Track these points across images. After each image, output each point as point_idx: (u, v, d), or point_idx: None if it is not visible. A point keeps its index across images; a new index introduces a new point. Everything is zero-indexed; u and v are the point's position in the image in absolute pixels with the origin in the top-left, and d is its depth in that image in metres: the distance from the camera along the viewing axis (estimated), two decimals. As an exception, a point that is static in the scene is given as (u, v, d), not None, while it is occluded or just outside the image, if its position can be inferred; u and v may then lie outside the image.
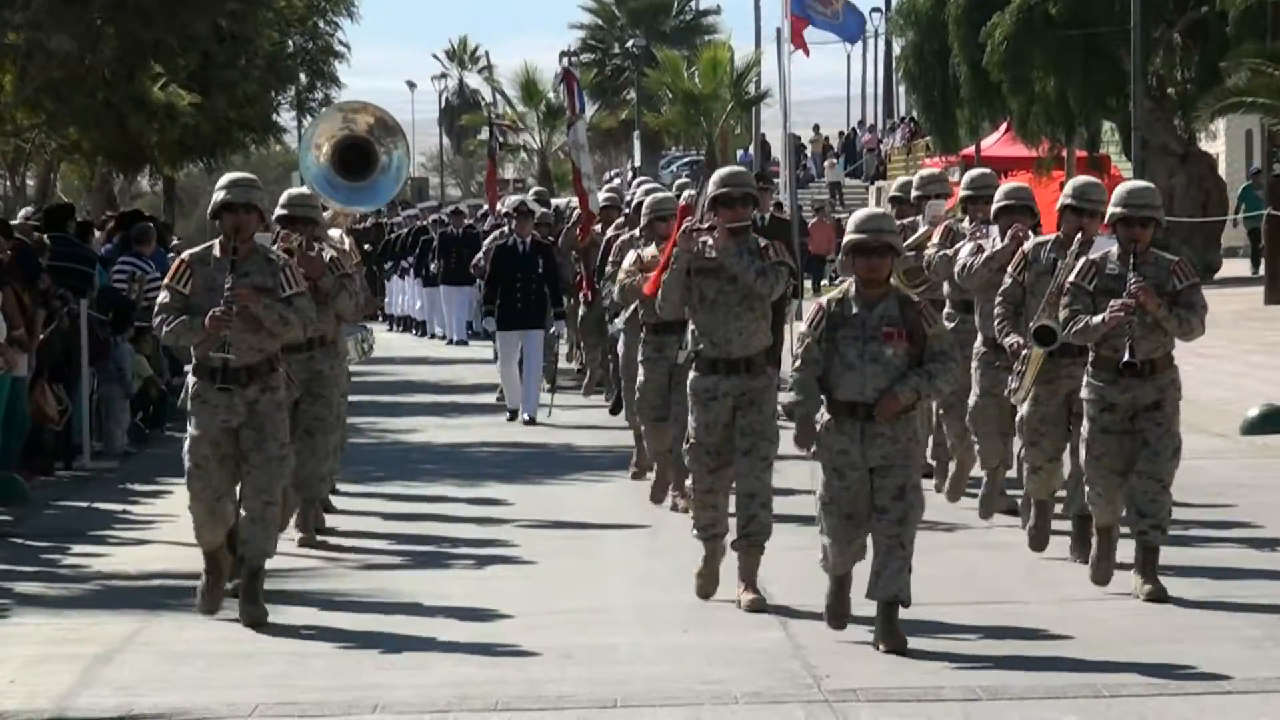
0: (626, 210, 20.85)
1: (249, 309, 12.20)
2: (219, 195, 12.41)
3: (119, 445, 21.40)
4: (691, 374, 12.74)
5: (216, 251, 12.43)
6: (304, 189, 15.76)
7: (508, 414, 23.80)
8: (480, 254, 25.84)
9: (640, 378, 16.58)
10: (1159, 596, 12.29)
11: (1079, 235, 13.38)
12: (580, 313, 24.65)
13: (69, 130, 35.68)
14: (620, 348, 18.36)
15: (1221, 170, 47.01)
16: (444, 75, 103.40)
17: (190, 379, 12.50)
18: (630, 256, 16.44)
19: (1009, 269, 13.92)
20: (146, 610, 13.28)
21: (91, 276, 21.57)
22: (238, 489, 12.56)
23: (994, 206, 14.82)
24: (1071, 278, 12.60)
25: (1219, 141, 50.24)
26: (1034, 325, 13.26)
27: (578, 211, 24.90)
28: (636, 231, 17.98)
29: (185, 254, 12.69)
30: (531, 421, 23.10)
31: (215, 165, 43.84)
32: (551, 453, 21.07)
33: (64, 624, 13.00)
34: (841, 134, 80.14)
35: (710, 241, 12.55)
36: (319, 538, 15.39)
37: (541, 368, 23.81)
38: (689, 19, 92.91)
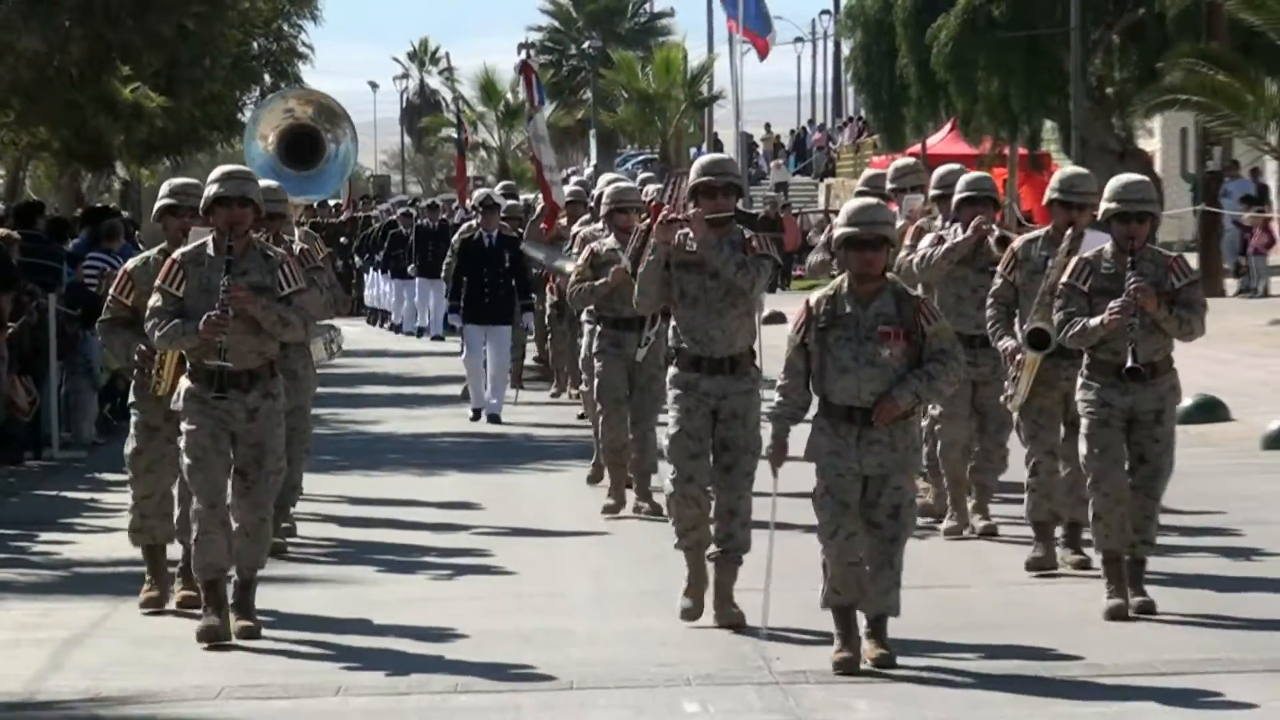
0: (592, 205, 19.75)
1: (247, 310, 11.10)
2: (211, 189, 11.24)
3: (87, 436, 21.40)
4: (672, 369, 11.69)
5: (210, 250, 11.26)
6: (272, 183, 14.81)
7: (471, 412, 22.75)
8: (449, 254, 24.66)
9: (597, 367, 15.82)
10: (1149, 609, 11.48)
11: (1069, 230, 12.56)
12: (545, 308, 23.86)
13: (37, 129, 35.63)
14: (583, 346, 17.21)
15: (1157, 167, 47.13)
16: (405, 76, 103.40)
17: (183, 382, 11.43)
18: (582, 255, 15.87)
19: (999, 269, 12.99)
20: (114, 596, 13.24)
21: (60, 272, 21.56)
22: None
23: (956, 197, 13.98)
24: (1065, 278, 11.64)
25: (1155, 139, 50.39)
26: (1027, 328, 12.47)
27: (542, 205, 24.07)
28: (600, 225, 17.16)
29: (176, 253, 11.45)
30: (495, 420, 22.27)
31: (181, 163, 43.74)
32: (511, 443, 21.03)
33: (33, 609, 12.97)
34: (792, 132, 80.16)
35: (690, 233, 11.44)
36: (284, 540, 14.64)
37: (508, 365, 22.88)
38: (643, 21, 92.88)
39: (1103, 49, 46.10)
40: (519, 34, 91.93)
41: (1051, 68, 45.21)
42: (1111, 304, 11.22)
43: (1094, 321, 11.31)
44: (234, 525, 11.36)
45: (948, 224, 14.13)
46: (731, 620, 11.42)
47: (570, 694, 10.40)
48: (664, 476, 12.09)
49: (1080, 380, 11.65)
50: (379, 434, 22.53)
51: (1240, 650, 10.80)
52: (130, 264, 12.19)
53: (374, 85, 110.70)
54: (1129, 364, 11.27)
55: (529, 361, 26.23)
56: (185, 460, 11.40)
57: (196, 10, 33.05)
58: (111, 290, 12.19)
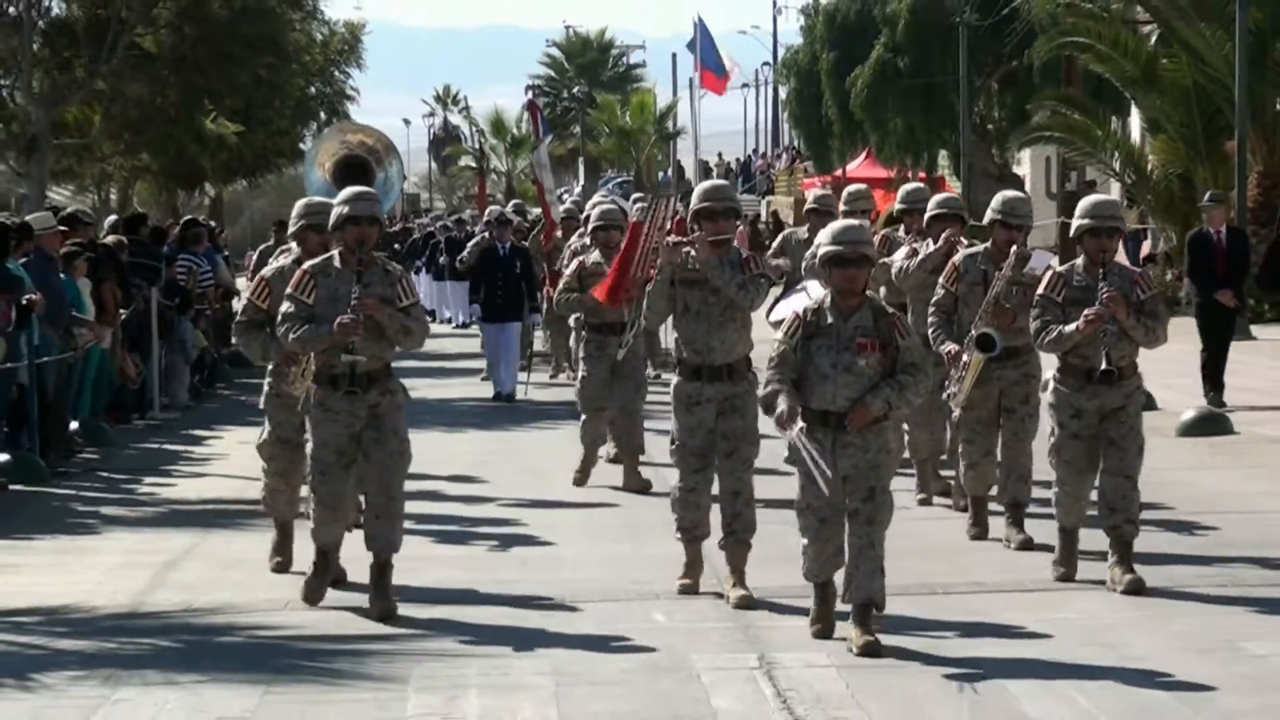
0: (583, 221, 18.92)
1: (375, 317, 10.02)
2: (342, 209, 10.11)
3: (181, 400, 21.40)
4: (675, 379, 10.46)
5: (337, 263, 10.14)
6: (321, 198, 14.21)
7: (494, 394, 21.65)
8: (465, 252, 23.94)
9: (582, 372, 14.88)
10: (1137, 588, 10.20)
11: (1013, 249, 11.51)
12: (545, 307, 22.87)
13: (142, 156, 35.63)
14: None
15: (1028, 188, 47.19)
16: (432, 114, 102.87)
17: (311, 386, 10.25)
18: (572, 265, 15.05)
19: (940, 279, 11.94)
20: (203, 528, 13.24)
21: (159, 270, 21.54)
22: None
23: (927, 215, 12.88)
24: (1041, 290, 10.52)
25: (1026, 166, 50.44)
26: (975, 333, 11.44)
27: (542, 221, 23.72)
28: (589, 240, 16.33)
29: (307, 265, 10.33)
30: (510, 399, 21.43)
31: (255, 183, 43.64)
32: (519, 409, 21.00)
33: (139, 539, 12.96)
34: (739, 160, 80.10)
35: (693, 254, 10.29)
36: None
37: (518, 355, 22.08)
38: (622, 71, 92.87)
39: (984, 94, 46.22)
40: (523, 80, 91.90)
41: (945, 109, 45.33)
42: (1086, 311, 10.22)
43: (1070, 328, 10.31)
44: (365, 508, 10.32)
45: (918, 238, 13.03)
46: (746, 603, 10.07)
47: (564, 604, 10.39)
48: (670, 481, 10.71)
49: (1051, 384, 10.60)
50: (413, 399, 22.43)
51: (1088, 574, 10.81)
52: (267, 272, 11.07)
53: (407, 121, 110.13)
54: (1103, 366, 10.26)
55: (539, 348, 25.85)
56: (312, 469, 10.27)
57: (267, 62, 33.15)
58: (248, 295, 11.09)
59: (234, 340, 11.12)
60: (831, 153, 51.94)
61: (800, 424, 9.10)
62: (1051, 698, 8.17)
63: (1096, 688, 8.31)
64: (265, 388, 11.42)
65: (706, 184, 10.58)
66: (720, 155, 77.06)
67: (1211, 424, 16.31)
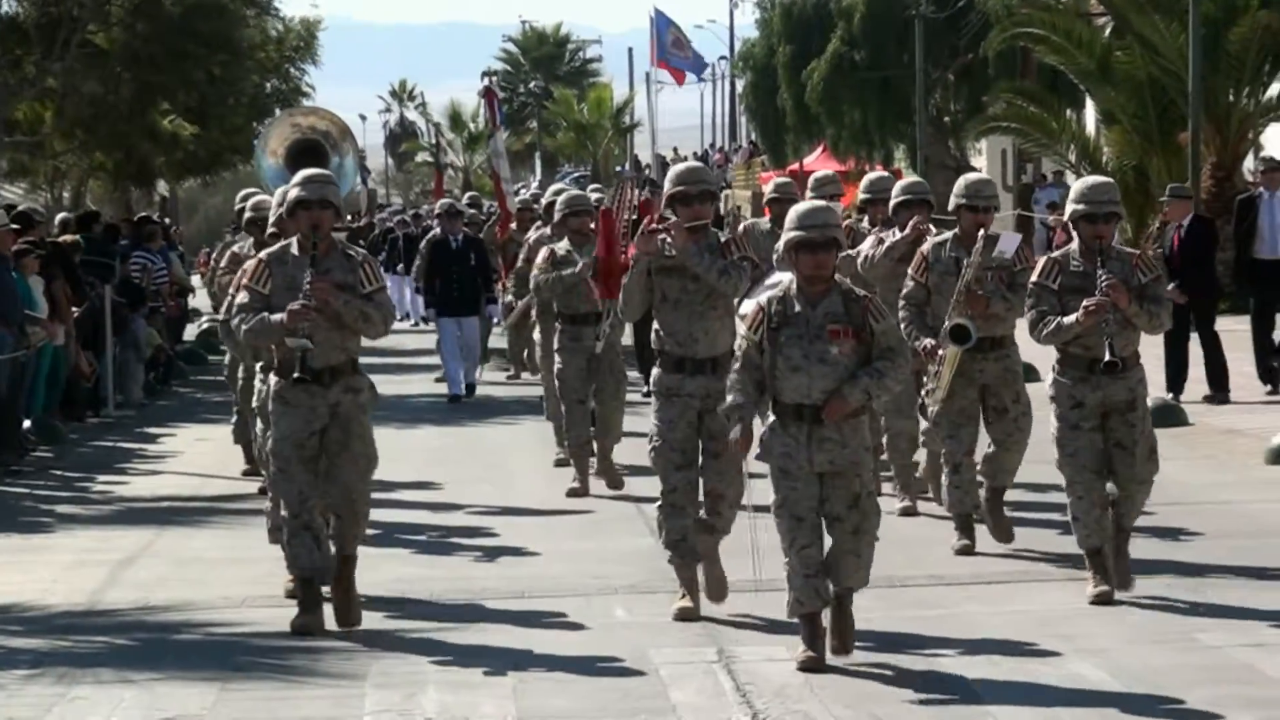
0: (540, 213, 18.46)
1: (329, 304, 9.40)
2: (293, 192, 9.58)
3: (135, 398, 21.31)
4: (656, 371, 9.76)
5: (294, 249, 9.58)
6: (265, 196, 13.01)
7: (449, 397, 20.98)
8: (418, 257, 23.13)
9: (558, 365, 14.14)
10: (1125, 585, 9.82)
11: (981, 233, 10.95)
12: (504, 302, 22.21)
13: (95, 154, 35.51)
14: (539, 341, 15.68)
15: (985, 180, 47.35)
16: (388, 110, 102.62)
17: (270, 379, 9.73)
18: (543, 253, 14.39)
19: (910, 271, 11.34)
20: (158, 525, 13.19)
21: (114, 267, 21.47)
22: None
23: (893, 201, 12.34)
24: (1035, 277, 9.89)
25: (982, 157, 50.56)
26: (949, 325, 10.81)
27: (499, 211, 23.11)
28: (549, 230, 15.92)
29: (263, 253, 9.80)
30: (471, 391, 21.04)
31: (210, 180, 43.45)
32: (476, 404, 20.97)
33: (93, 536, 12.90)
34: (696, 153, 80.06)
35: (669, 240, 9.59)
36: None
37: (478, 349, 21.65)
38: (579, 65, 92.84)
39: (941, 86, 46.29)
40: (479, 75, 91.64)
41: (901, 101, 45.41)
42: (1086, 301, 9.54)
43: (1069, 319, 9.60)
44: (328, 510, 9.75)
45: (883, 228, 12.51)
46: (717, 593, 9.74)
47: (524, 600, 10.38)
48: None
49: (1051, 376, 9.92)
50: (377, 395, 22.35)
51: (1048, 567, 10.84)
52: (264, 254, 9.89)
53: (363, 117, 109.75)
54: (1107, 358, 9.56)
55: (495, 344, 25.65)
56: (270, 467, 9.73)
57: (221, 59, 33.02)
58: (245, 280, 9.87)
59: (240, 338, 9.97)
60: (787, 146, 52.04)
61: (755, 450, 8.60)
62: (1008, 689, 8.19)
63: (1053, 678, 8.33)
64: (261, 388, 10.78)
65: (680, 166, 9.97)
66: (675, 150, 76.97)
67: (1167, 416, 16.35)
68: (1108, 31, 31.60)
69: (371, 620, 9.76)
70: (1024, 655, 8.76)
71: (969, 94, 44.82)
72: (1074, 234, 9.84)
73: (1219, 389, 17.77)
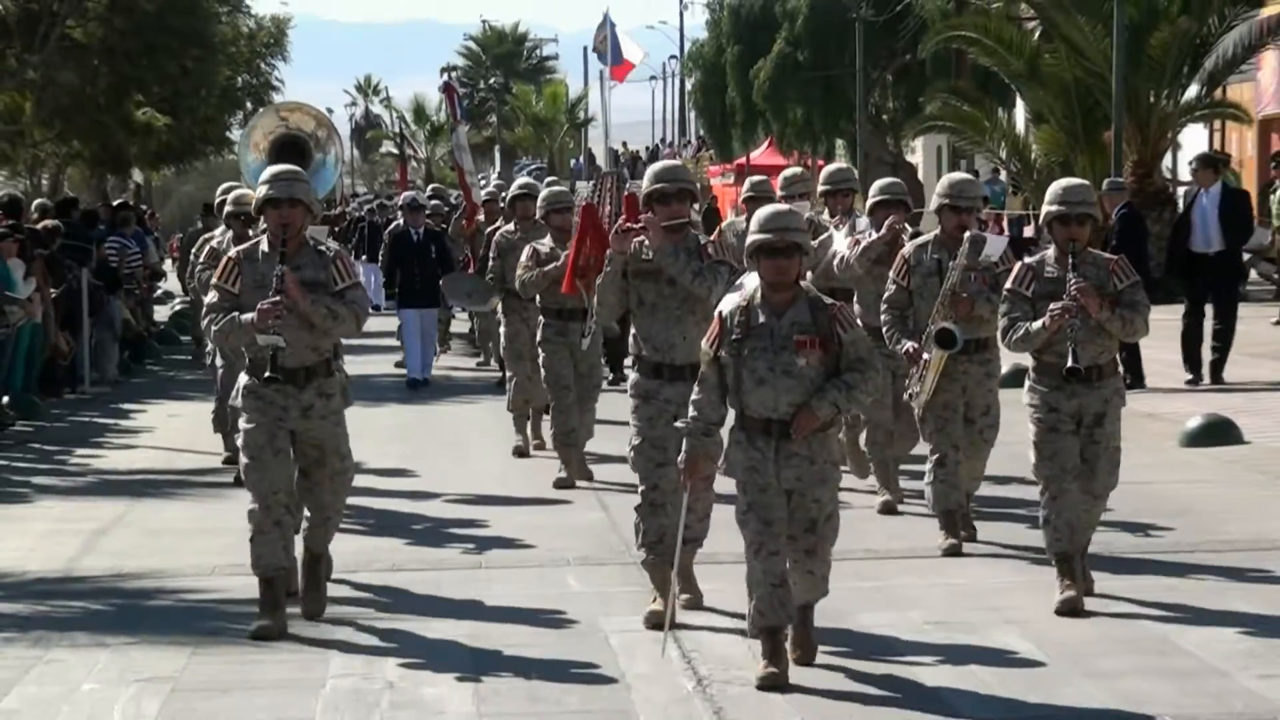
0: (504, 206, 17.61)
1: (298, 305, 8.76)
2: (261, 190, 8.96)
3: (110, 376, 21.24)
4: (634, 376, 9.09)
5: (264, 247, 8.96)
6: (246, 190, 12.77)
7: (408, 380, 20.42)
8: (382, 248, 22.46)
9: (543, 356, 13.53)
10: (1073, 608, 9.02)
11: (966, 234, 10.32)
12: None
13: (73, 143, 35.34)
14: (504, 335, 15.00)
15: (920, 176, 47.47)
16: (354, 103, 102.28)
17: (242, 378, 9.08)
18: (526, 251, 13.59)
19: (891, 275, 10.65)
20: (132, 497, 13.15)
21: (90, 251, 21.40)
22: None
23: (870, 201, 11.61)
24: (1009, 284, 9.24)
25: (919, 154, 50.72)
26: (934, 329, 10.25)
27: (464, 204, 22.50)
28: (511, 225, 15.27)
29: (233, 251, 9.21)
30: (426, 383, 20.43)
31: (183, 169, 43.24)
32: (435, 384, 20.92)
33: (70, 507, 12.86)
34: (647, 148, 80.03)
35: (645, 241, 8.93)
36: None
37: (435, 340, 21.12)
38: (536, 62, 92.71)
39: (880, 86, 46.42)
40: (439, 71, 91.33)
41: (842, 99, 45.55)
42: (1052, 306, 8.93)
43: (1036, 325, 8.99)
44: (301, 518, 9.24)
45: (843, 219, 11.90)
46: (692, 603, 9.16)
47: (480, 572, 10.39)
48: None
49: (1027, 383, 9.26)
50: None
51: (976, 544, 10.89)
52: (234, 252, 9.26)
53: (330, 110, 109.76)
54: (1070, 364, 8.91)
55: (458, 329, 25.47)
56: (242, 458, 9.06)
57: (194, 54, 32.93)
58: (215, 279, 9.19)
59: (211, 339, 9.62)
60: (734, 141, 52.13)
61: (698, 478, 8.03)
62: (936, 657, 8.24)
63: (981, 648, 8.39)
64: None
65: (658, 164, 9.23)
66: (624, 144, 76.94)
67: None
68: (1037, 35, 31.72)
69: (336, 590, 9.75)
70: (953, 625, 8.82)
71: (906, 93, 44.98)
72: (1051, 236, 9.23)
73: (1134, 376, 17.84)
